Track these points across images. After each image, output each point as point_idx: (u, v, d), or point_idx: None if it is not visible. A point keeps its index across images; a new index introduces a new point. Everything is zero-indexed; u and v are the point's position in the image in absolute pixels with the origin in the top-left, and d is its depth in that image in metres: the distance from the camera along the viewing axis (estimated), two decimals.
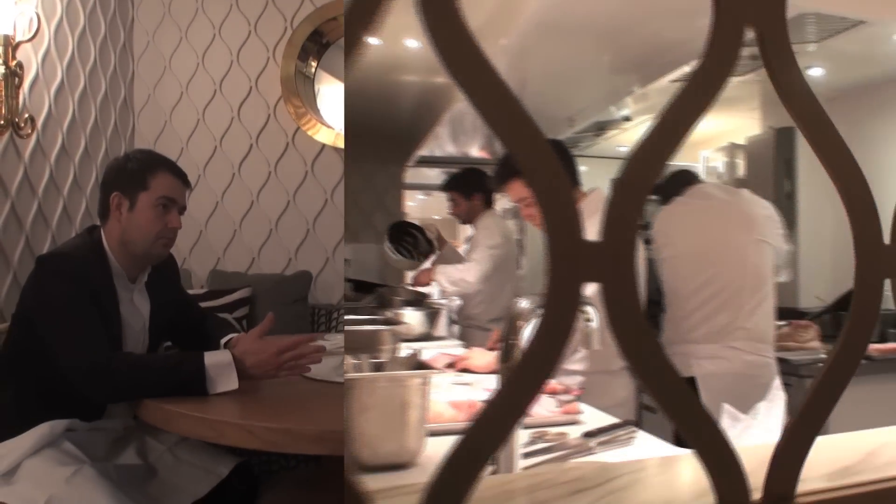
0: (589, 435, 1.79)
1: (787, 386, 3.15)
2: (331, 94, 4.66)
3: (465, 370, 2.77)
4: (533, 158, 0.62)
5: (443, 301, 4.55)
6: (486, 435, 0.60)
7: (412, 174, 6.70)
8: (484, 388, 2.37)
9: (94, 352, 2.22)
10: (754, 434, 1.44)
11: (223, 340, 2.54)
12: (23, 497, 2.16)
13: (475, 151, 6.02)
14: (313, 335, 2.46)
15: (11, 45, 3.37)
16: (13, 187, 3.50)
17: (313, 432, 1.93)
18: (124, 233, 2.43)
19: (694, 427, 0.68)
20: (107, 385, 2.22)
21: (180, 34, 4.63)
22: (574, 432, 1.86)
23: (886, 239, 0.70)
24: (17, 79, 3.42)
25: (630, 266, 0.62)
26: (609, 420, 1.97)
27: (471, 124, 5.06)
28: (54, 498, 2.13)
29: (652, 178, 0.61)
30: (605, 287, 0.62)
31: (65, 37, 3.92)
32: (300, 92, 4.53)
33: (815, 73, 3.64)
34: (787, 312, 3.89)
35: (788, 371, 3.22)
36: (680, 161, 5.39)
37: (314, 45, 4.55)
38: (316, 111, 4.57)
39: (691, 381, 2.86)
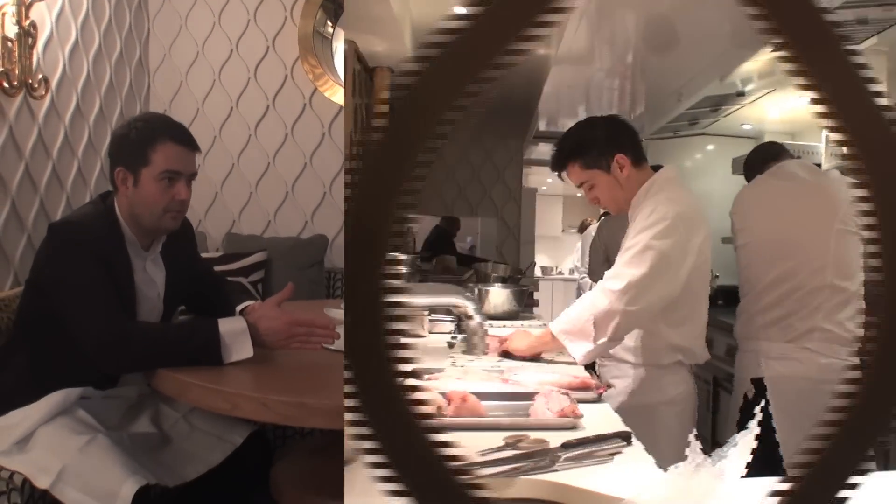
0: (566, 446, 1.51)
1: None
2: None
3: (506, 354, 2.45)
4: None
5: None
6: None
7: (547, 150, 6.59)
8: (511, 377, 2.04)
9: (108, 322, 2.20)
10: (699, 484, 1.14)
11: (238, 308, 2.50)
12: (37, 465, 2.16)
13: None
14: (333, 321, 2.41)
15: (25, 5, 3.30)
16: (27, 149, 3.47)
17: (328, 406, 1.91)
18: (131, 207, 2.38)
19: None
20: (121, 356, 2.21)
21: None
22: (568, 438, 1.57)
23: None
24: (30, 39, 3.37)
25: None
26: (611, 427, 1.69)
27: (607, 101, 4.86)
28: (68, 467, 2.13)
29: None
30: None
31: None
32: (318, 52, 4.46)
33: None
34: None
35: None
36: (803, 141, 4.80)
37: (332, 4, 4.47)
38: (334, 72, 4.50)
39: (760, 383, 2.68)
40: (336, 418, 1.91)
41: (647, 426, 2.25)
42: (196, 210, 4.42)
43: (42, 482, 2.12)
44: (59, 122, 3.71)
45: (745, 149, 5.06)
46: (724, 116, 4.77)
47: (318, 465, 2.54)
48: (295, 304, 2.80)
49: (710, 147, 5.50)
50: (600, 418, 1.82)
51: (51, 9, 3.60)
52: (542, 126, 5.80)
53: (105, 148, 4.00)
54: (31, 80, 3.42)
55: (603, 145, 2.37)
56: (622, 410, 2.28)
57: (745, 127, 5.22)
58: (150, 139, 2.35)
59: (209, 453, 2.43)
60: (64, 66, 3.73)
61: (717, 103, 4.40)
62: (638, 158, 2.41)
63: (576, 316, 2.28)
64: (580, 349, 2.27)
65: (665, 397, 2.35)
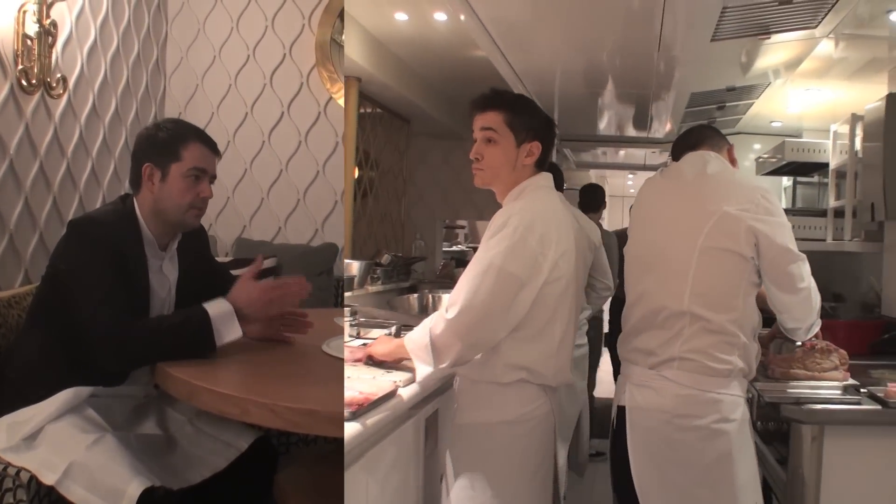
0: None
1: (769, 435, 2.56)
2: None
3: (371, 359, 2.38)
4: None
5: None
6: None
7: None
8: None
9: (113, 318, 2.24)
10: None
11: None
12: (43, 462, 2.17)
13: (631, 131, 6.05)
14: (300, 277, 2.57)
15: (46, 4, 3.32)
16: (42, 148, 3.48)
17: (336, 414, 1.90)
18: (156, 203, 2.45)
19: None
20: (121, 353, 2.25)
21: None
22: None
23: None
24: (50, 38, 3.39)
25: None
26: None
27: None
28: (75, 464, 2.14)
29: None
30: None
31: None
32: (334, 60, 4.47)
33: None
34: (888, 329, 3.19)
35: (764, 412, 2.50)
36: (810, 138, 4.46)
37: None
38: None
39: (623, 412, 2.35)
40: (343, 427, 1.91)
41: (479, 445, 2.19)
42: (207, 214, 4.37)
43: (48, 478, 2.13)
44: (75, 122, 3.73)
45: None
46: (744, 113, 4.61)
47: (323, 472, 2.53)
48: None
49: (757, 146, 5.37)
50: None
51: (71, 8, 3.63)
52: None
53: (119, 149, 4.04)
54: (49, 79, 3.43)
55: (536, 123, 2.25)
56: (456, 427, 2.24)
57: (775, 124, 5.01)
58: (181, 138, 2.46)
59: (214, 458, 2.43)
60: (82, 65, 3.74)
61: (717, 100, 4.24)
62: (542, 163, 2.29)
63: (419, 337, 2.16)
64: (422, 370, 2.19)
65: (503, 416, 2.18)
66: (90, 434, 2.21)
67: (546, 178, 2.29)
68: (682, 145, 2.52)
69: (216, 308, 2.32)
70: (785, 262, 2.26)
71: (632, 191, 12.03)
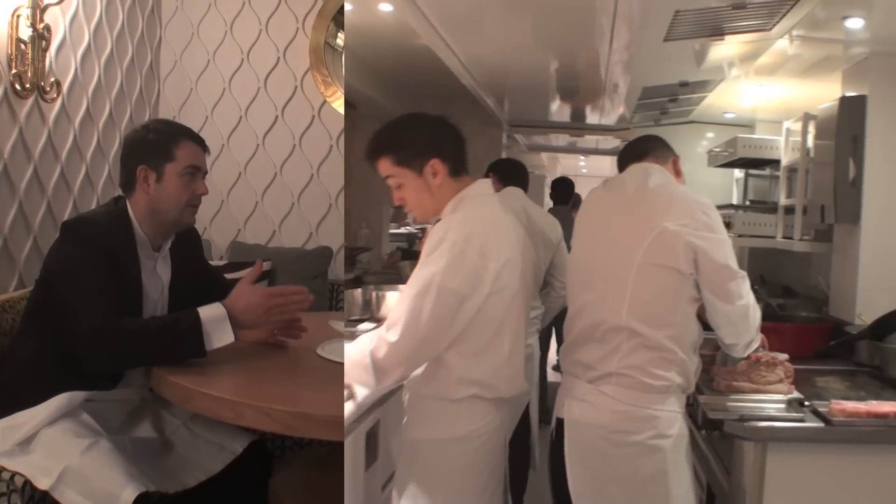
0: None
1: (713, 442, 2.49)
2: None
3: None
4: None
5: None
6: None
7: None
8: None
9: (104, 315, 2.24)
10: None
11: None
12: (38, 467, 2.18)
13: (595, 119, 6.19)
14: (302, 287, 2.53)
15: (39, 8, 3.33)
16: (36, 151, 3.48)
17: (330, 417, 1.92)
18: (153, 203, 2.47)
19: None
20: (109, 349, 2.24)
21: (209, 0, 4.58)
22: None
23: None
24: (44, 42, 3.38)
25: None
26: None
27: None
28: (69, 469, 2.15)
29: None
30: None
31: (93, 0, 3.88)
32: (328, 64, 4.48)
33: (853, 24, 2.82)
34: (835, 332, 3.13)
35: (706, 425, 2.40)
36: (763, 130, 4.47)
37: (343, 16, 4.49)
38: (343, 85, 4.52)
39: (562, 424, 2.30)
40: (337, 429, 1.92)
41: (429, 461, 2.14)
42: (202, 218, 4.41)
43: (42, 483, 2.13)
44: (69, 126, 3.73)
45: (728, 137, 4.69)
46: (697, 104, 4.64)
47: (317, 475, 2.55)
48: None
49: (710, 135, 5.27)
50: None
51: (65, 12, 3.62)
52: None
53: (113, 153, 4.03)
54: (42, 83, 3.43)
55: (420, 146, 2.14)
56: (405, 442, 2.19)
57: (728, 115, 4.98)
58: (173, 138, 2.49)
59: (210, 461, 2.44)
60: (76, 69, 3.74)
61: (670, 93, 4.27)
62: (457, 168, 2.18)
63: (358, 357, 2.07)
64: (361, 391, 2.17)
65: (454, 433, 2.13)
66: (85, 439, 2.22)
67: (483, 186, 2.24)
68: (628, 156, 2.48)
69: (209, 312, 2.30)
70: (724, 280, 2.23)
71: (584, 171, 12.30)
